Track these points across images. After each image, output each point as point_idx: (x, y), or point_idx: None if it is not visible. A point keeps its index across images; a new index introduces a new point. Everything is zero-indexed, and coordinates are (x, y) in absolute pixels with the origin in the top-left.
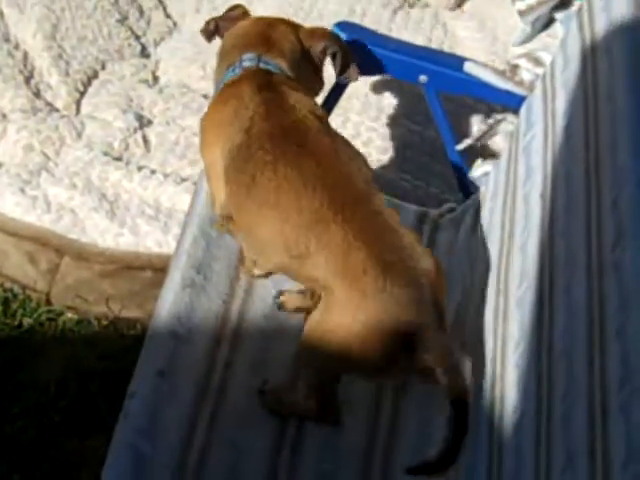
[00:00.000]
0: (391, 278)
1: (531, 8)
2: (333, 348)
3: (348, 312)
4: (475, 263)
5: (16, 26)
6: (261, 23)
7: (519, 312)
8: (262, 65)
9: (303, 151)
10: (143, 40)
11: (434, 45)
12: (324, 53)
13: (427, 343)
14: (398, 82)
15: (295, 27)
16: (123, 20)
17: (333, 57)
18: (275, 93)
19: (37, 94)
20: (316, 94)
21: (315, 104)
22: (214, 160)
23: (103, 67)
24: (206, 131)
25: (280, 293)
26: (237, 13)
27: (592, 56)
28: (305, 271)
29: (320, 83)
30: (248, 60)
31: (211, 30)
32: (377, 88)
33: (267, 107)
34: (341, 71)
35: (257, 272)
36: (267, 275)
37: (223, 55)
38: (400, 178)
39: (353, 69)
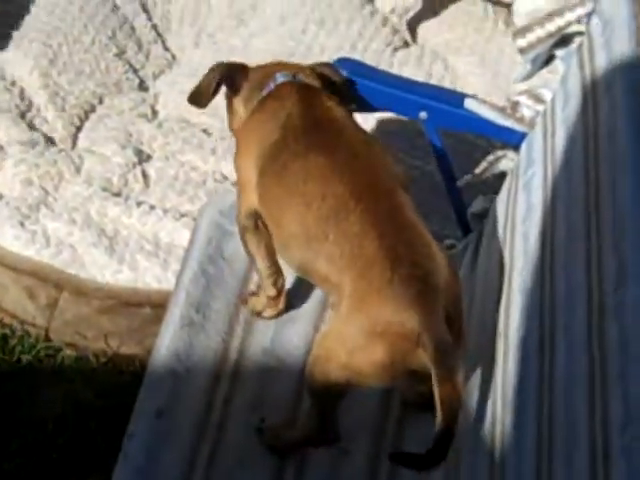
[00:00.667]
0: (399, 272)
1: (532, 45)
2: (340, 345)
3: (354, 304)
4: (473, 303)
5: (12, 63)
6: (275, 63)
7: (520, 353)
8: (298, 79)
9: (336, 142)
10: (141, 74)
11: (434, 81)
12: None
13: (428, 341)
14: (398, 117)
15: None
16: (121, 54)
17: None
18: (313, 96)
19: (33, 127)
20: None
21: (347, 108)
22: (248, 165)
23: (101, 101)
24: (243, 137)
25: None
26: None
27: (593, 94)
28: (320, 266)
29: None
30: (282, 76)
31: (214, 88)
32: (377, 123)
33: (304, 105)
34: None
35: (261, 309)
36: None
37: (252, 86)
38: None
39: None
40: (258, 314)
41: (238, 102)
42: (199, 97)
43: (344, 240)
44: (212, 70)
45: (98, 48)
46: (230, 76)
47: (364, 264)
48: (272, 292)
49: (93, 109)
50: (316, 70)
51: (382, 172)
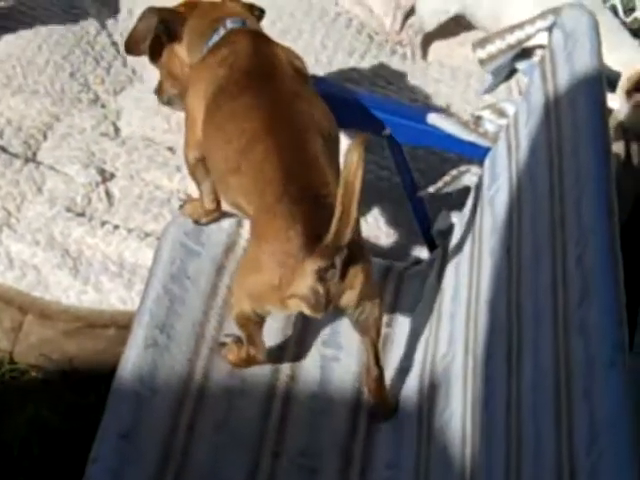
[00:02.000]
0: (290, 191)
1: (492, 57)
2: (243, 271)
3: (253, 227)
4: (441, 320)
5: None
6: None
7: (487, 371)
8: (248, 23)
9: (268, 87)
10: (101, 90)
11: (402, 89)
12: None
13: (315, 261)
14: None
15: None
16: (76, 72)
17: None
18: (261, 41)
19: None
20: None
21: (298, 58)
22: (196, 104)
23: (58, 119)
24: (195, 79)
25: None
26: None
27: (555, 108)
28: (238, 197)
29: None
30: (233, 23)
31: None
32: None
33: (251, 51)
34: None
35: (198, 217)
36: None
37: (197, 32)
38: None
39: None
40: (196, 222)
41: (180, 48)
42: (135, 44)
43: (251, 169)
44: (148, 14)
45: (53, 68)
46: (168, 21)
47: (262, 185)
48: (211, 206)
49: (51, 127)
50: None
51: (301, 114)
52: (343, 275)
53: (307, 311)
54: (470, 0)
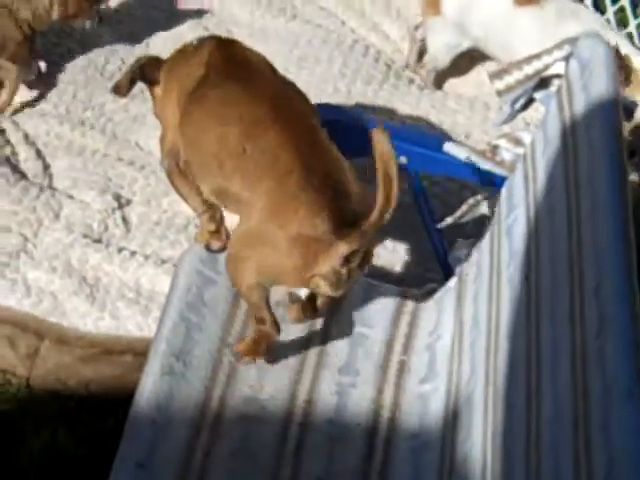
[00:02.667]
0: (312, 181)
1: (510, 88)
2: (251, 249)
3: (268, 212)
4: (462, 349)
5: None
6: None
7: (508, 402)
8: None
9: (252, 76)
10: (117, 118)
11: (420, 118)
12: None
13: (348, 245)
14: None
15: None
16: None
17: None
18: (233, 42)
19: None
20: None
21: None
22: (169, 106)
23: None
24: (164, 85)
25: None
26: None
27: (572, 136)
28: (235, 183)
29: None
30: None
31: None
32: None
33: (225, 46)
34: None
35: (205, 241)
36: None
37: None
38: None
39: None
40: (207, 248)
41: (157, 89)
42: (119, 88)
43: (260, 154)
44: (133, 63)
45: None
46: (146, 68)
47: (280, 174)
48: (212, 227)
49: (69, 152)
50: None
51: (295, 101)
52: (363, 258)
53: (326, 291)
54: (479, 33)
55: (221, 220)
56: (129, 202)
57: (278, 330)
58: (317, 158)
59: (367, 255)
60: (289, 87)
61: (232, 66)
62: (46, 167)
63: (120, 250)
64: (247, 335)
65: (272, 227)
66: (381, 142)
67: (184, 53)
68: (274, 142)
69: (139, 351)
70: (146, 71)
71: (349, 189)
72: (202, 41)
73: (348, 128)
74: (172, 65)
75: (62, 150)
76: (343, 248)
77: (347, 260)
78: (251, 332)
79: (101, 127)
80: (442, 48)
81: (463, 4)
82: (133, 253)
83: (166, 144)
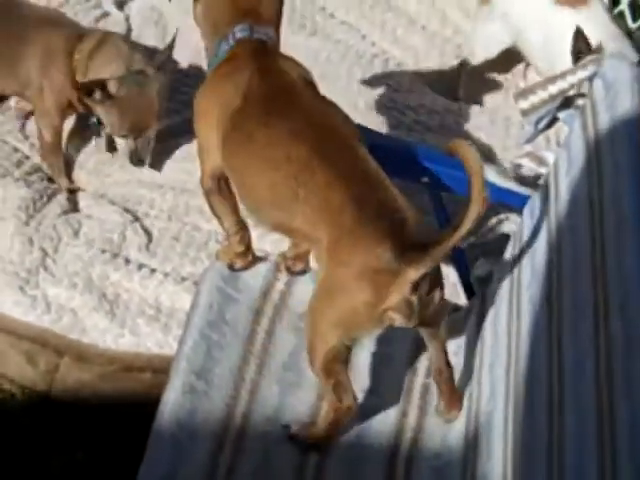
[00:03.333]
0: (367, 213)
1: (534, 107)
2: (327, 301)
3: (332, 253)
4: (482, 369)
5: None
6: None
7: (529, 421)
8: (255, 35)
9: (294, 108)
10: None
11: (441, 137)
12: None
13: (415, 270)
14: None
15: None
16: None
17: None
18: (269, 60)
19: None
20: None
21: (304, 69)
22: (210, 130)
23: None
24: (204, 103)
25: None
26: None
27: (596, 156)
28: (297, 225)
29: None
30: (240, 32)
31: None
32: None
33: (263, 73)
34: None
35: (230, 261)
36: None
37: (212, 25)
38: None
39: None
40: (231, 267)
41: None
42: None
43: (313, 196)
44: None
45: None
46: None
47: (334, 213)
48: (240, 248)
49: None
50: (272, 11)
51: (339, 129)
52: (432, 283)
53: (401, 323)
54: (526, 34)
55: (249, 241)
56: (148, 217)
57: (356, 400)
58: (368, 189)
59: (435, 280)
60: (331, 112)
61: (273, 95)
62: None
63: (140, 267)
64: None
65: (336, 268)
66: (469, 150)
67: (223, 70)
68: (323, 182)
69: (159, 368)
70: None
71: (405, 215)
72: (239, 54)
73: (369, 147)
74: (212, 83)
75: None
76: (411, 274)
77: (416, 287)
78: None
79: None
80: (485, 40)
81: None
82: (153, 270)
83: (207, 166)
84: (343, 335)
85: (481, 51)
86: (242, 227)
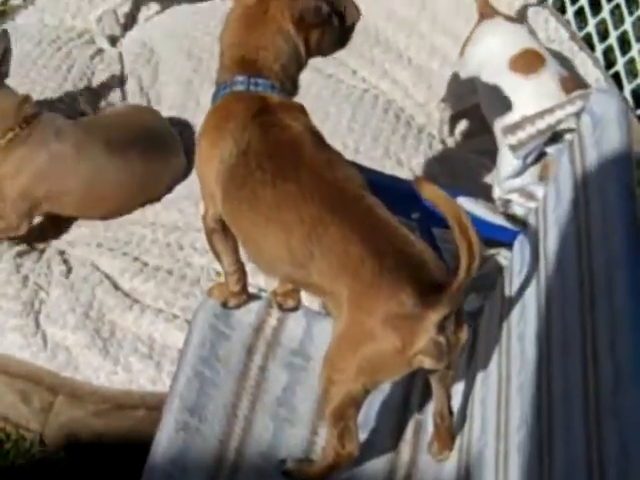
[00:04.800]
0: (386, 263)
1: (522, 143)
2: (349, 350)
3: (354, 305)
4: (473, 404)
5: None
6: (252, 20)
7: (519, 458)
8: (252, 88)
9: (299, 165)
10: None
11: (430, 173)
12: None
13: (438, 312)
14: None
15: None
16: None
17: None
18: (270, 116)
19: None
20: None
21: (308, 120)
22: (208, 176)
23: None
24: (202, 149)
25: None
26: None
27: (584, 192)
28: (313, 280)
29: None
30: (240, 84)
31: None
32: None
33: (263, 129)
34: (349, 17)
35: (224, 299)
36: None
37: (220, 64)
38: None
39: (351, 8)
40: (224, 305)
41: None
42: None
43: (329, 252)
44: None
45: None
46: None
47: (354, 267)
48: (236, 288)
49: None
50: (274, 59)
51: (346, 181)
52: (457, 322)
53: (431, 365)
54: (482, 92)
55: (246, 281)
56: (140, 254)
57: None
58: (384, 238)
59: (458, 318)
60: (338, 164)
61: (276, 153)
62: None
63: (133, 304)
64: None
65: (359, 318)
66: (439, 192)
67: (220, 118)
68: (338, 238)
69: (152, 405)
70: None
71: (423, 258)
72: (237, 105)
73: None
74: (209, 129)
75: None
76: (434, 316)
77: (442, 327)
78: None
79: None
80: (457, 90)
81: (482, 55)
82: (146, 307)
83: (211, 208)
84: (368, 381)
85: (455, 100)
86: (240, 267)
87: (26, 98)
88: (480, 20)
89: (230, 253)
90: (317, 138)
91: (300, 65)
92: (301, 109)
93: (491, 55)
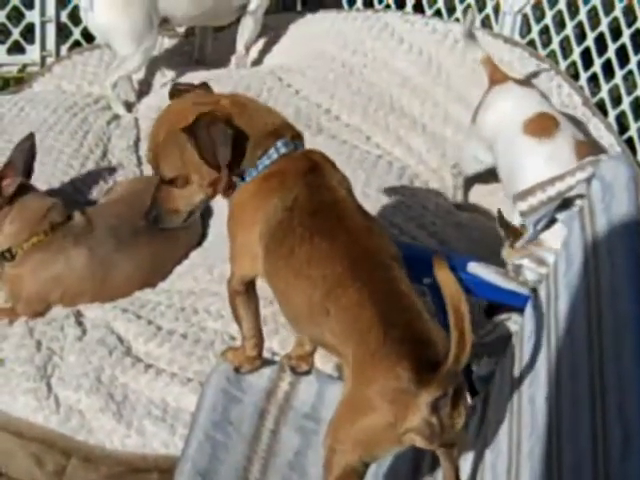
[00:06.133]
0: (392, 334)
1: (533, 209)
2: (347, 421)
3: (355, 373)
4: (484, 469)
5: None
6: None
7: None
8: (300, 149)
9: (338, 227)
10: None
11: (444, 239)
12: None
13: (431, 392)
14: None
15: None
16: None
17: None
18: (319, 175)
19: None
20: None
21: (350, 184)
22: (248, 240)
23: None
24: (246, 214)
25: None
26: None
27: (594, 257)
28: (327, 338)
29: None
30: (284, 146)
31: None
32: None
33: (310, 188)
34: None
35: (239, 364)
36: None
37: (252, 142)
38: None
39: None
40: (237, 370)
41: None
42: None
43: (343, 313)
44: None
45: None
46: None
47: (361, 332)
48: (253, 353)
49: None
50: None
51: (377, 248)
52: (453, 403)
53: (422, 444)
54: (497, 158)
55: (262, 348)
56: (155, 318)
57: None
58: (397, 310)
59: (457, 401)
60: (372, 230)
61: (320, 213)
62: None
63: (147, 368)
64: None
65: (359, 385)
66: (448, 276)
67: (267, 184)
68: (354, 300)
69: (165, 469)
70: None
71: (430, 336)
72: (285, 163)
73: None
74: (255, 195)
75: None
76: (427, 395)
77: (435, 408)
78: None
79: None
80: (469, 158)
81: (496, 120)
82: (160, 371)
83: (239, 271)
84: (364, 454)
85: (466, 168)
86: (259, 333)
87: (54, 204)
88: (491, 85)
89: (251, 318)
90: (356, 202)
91: None
92: (342, 173)
93: (504, 120)
